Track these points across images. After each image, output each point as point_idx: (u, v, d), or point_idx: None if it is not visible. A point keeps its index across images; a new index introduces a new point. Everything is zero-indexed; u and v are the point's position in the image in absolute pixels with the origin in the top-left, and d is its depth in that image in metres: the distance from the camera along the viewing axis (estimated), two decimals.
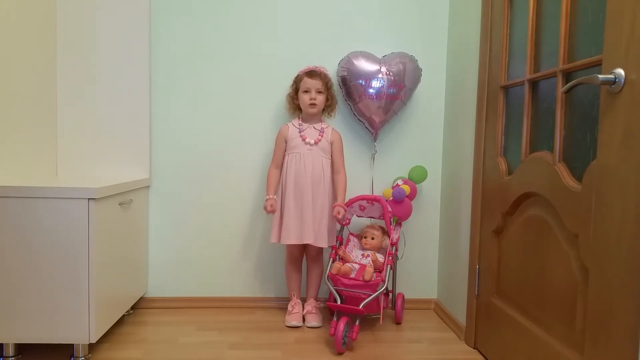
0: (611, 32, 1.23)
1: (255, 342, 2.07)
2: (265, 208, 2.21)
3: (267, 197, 2.22)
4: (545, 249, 1.53)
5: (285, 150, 2.26)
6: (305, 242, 2.18)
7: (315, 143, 2.22)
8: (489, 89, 1.98)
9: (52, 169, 2.33)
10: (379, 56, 2.34)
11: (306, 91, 2.21)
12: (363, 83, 2.26)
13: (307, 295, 2.36)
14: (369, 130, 2.42)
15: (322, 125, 2.27)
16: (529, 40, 1.69)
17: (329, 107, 2.29)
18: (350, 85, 2.29)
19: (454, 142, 2.37)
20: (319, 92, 2.21)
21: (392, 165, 2.52)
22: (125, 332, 2.13)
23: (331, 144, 2.26)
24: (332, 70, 2.37)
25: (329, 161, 2.26)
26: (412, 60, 2.33)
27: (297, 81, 2.26)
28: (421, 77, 2.37)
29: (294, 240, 2.17)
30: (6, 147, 1.95)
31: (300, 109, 2.29)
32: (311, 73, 2.22)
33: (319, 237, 2.18)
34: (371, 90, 2.26)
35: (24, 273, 1.75)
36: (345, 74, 2.29)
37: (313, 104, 2.20)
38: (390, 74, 2.27)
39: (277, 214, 2.22)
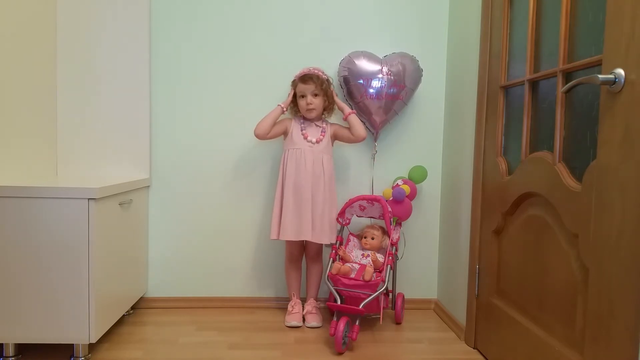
0: (611, 32, 1.23)
1: (255, 342, 2.07)
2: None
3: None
4: (545, 249, 1.53)
5: (282, 132, 2.28)
6: (302, 239, 2.18)
7: (317, 142, 2.22)
8: (489, 89, 1.98)
9: (52, 169, 2.33)
10: (380, 56, 2.34)
11: (302, 96, 2.22)
12: (364, 83, 2.26)
13: (307, 295, 2.36)
14: (370, 130, 2.42)
15: (323, 124, 2.28)
16: (529, 40, 1.69)
17: (327, 107, 2.29)
18: (351, 85, 2.29)
19: (454, 142, 2.37)
20: (315, 95, 2.21)
21: (392, 165, 2.52)
22: (125, 332, 2.13)
23: (334, 134, 2.29)
24: (332, 71, 2.37)
25: (330, 159, 2.26)
26: (413, 60, 2.33)
27: (294, 86, 2.26)
28: (422, 78, 2.37)
29: (291, 237, 2.17)
30: (6, 147, 1.95)
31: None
32: (304, 78, 2.21)
33: (319, 233, 2.18)
34: (371, 90, 2.26)
35: (24, 273, 1.75)
36: (347, 73, 2.29)
37: (311, 109, 2.21)
38: (391, 74, 2.26)
39: (276, 211, 2.22)
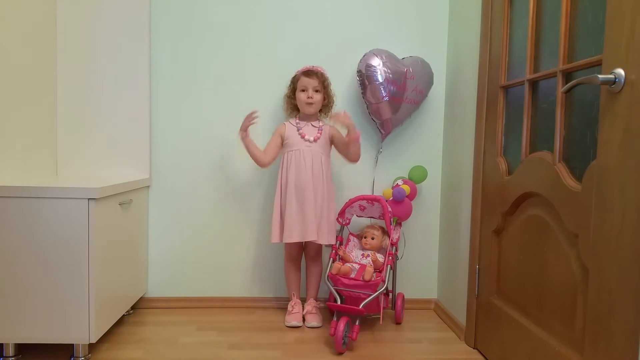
0: (611, 32, 1.23)
1: (255, 342, 2.07)
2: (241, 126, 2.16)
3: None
4: (545, 249, 1.53)
5: (280, 147, 2.28)
6: (308, 240, 2.17)
7: (315, 140, 2.22)
8: (489, 89, 1.98)
9: (52, 169, 2.33)
10: (400, 57, 2.35)
11: (303, 90, 2.22)
12: (380, 84, 2.25)
13: (307, 295, 2.36)
14: (380, 131, 2.42)
15: (320, 124, 2.28)
16: (529, 40, 1.69)
17: (325, 106, 2.29)
18: (367, 86, 2.27)
19: (454, 142, 2.37)
20: (316, 90, 2.21)
21: (393, 166, 2.52)
22: (125, 332, 2.13)
23: (332, 137, 2.28)
24: (330, 71, 2.36)
25: (328, 159, 2.27)
26: (423, 63, 2.35)
27: (295, 81, 2.26)
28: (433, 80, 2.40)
29: (296, 238, 2.17)
30: (6, 147, 1.95)
31: (297, 109, 2.29)
32: (308, 72, 2.22)
33: (320, 234, 2.18)
34: (383, 90, 2.24)
35: (24, 273, 1.75)
36: (363, 71, 2.27)
37: (310, 103, 2.21)
38: (414, 77, 2.27)
39: (277, 214, 2.22)
